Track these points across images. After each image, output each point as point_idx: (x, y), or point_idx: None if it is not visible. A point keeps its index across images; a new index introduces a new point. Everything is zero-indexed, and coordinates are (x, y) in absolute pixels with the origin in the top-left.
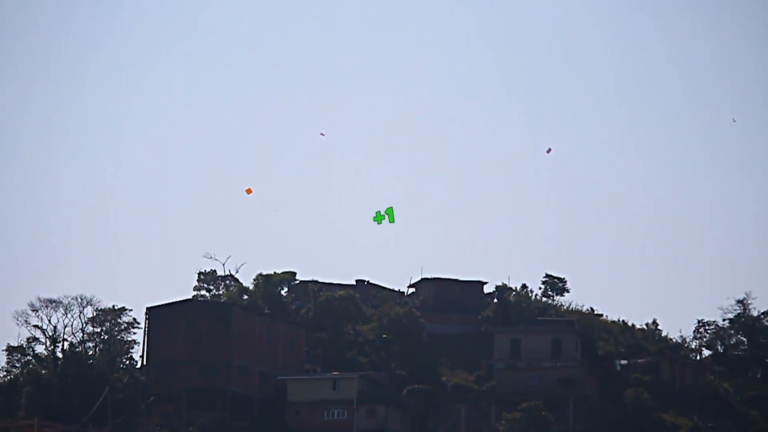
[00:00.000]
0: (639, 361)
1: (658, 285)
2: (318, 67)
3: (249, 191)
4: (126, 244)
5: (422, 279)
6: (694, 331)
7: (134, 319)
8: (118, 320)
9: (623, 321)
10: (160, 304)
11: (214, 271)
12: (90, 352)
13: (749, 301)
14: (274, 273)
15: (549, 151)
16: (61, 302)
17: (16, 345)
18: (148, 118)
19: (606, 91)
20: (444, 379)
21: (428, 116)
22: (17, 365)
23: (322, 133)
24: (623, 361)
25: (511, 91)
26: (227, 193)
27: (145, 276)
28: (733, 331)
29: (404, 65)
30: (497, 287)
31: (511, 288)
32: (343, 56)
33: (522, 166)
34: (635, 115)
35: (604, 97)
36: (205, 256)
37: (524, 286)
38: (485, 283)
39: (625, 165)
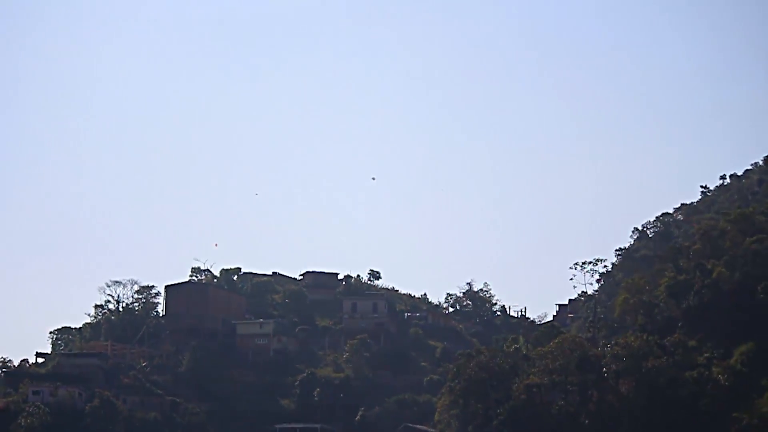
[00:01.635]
0: (417, 314)
1: (427, 272)
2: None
3: (216, 245)
4: (152, 246)
5: (307, 271)
6: (445, 299)
7: (158, 291)
8: (150, 292)
9: (409, 293)
10: (172, 283)
11: (199, 267)
12: (136, 309)
13: (473, 283)
14: (230, 268)
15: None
16: (121, 282)
17: (99, 304)
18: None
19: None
20: (317, 323)
21: None
22: (99, 315)
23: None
24: (408, 314)
25: None
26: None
27: (163, 265)
28: (463, 298)
29: None
30: (345, 276)
31: (352, 276)
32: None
33: (358, 188)
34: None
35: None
36: (194, 259)
37: (358, 275)
38: (338, 273)
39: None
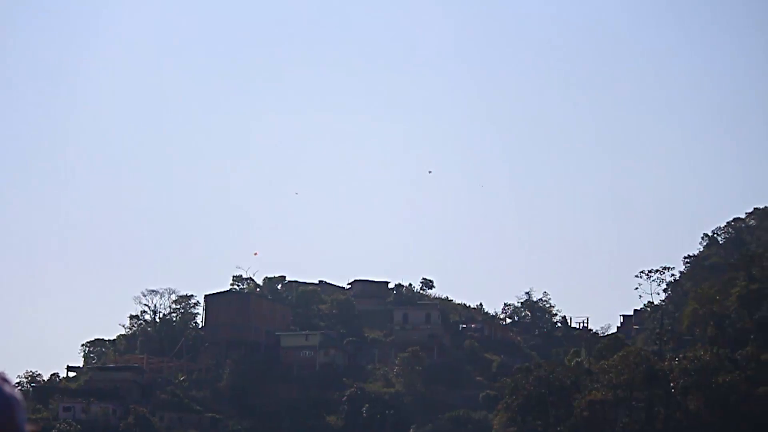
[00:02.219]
0: (472, 325)
1: (483, 281)
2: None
3: (256, 254)
4: (191, 253)
5: (355, 280)
6: (502, 309)
7: (198, 301)
8: (189, 301)
9: (464, 303)
10: (212, 293)
11: (241, 275)
12: (174, 320)
13: (532, 292)
14: (274, 276)
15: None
16: (158, 291)
17: (134, 314)
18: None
19: None
20: (366, 335)
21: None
22: (135, 326)
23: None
24: (464, 325)
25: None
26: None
27: (203, 275)
28: (522, 309)
29: None
30: (396, 285)
31: (403, 285)
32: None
33: (409, 191)
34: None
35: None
36: (237, 267)
37: (410, 284)
38: (389, 282)
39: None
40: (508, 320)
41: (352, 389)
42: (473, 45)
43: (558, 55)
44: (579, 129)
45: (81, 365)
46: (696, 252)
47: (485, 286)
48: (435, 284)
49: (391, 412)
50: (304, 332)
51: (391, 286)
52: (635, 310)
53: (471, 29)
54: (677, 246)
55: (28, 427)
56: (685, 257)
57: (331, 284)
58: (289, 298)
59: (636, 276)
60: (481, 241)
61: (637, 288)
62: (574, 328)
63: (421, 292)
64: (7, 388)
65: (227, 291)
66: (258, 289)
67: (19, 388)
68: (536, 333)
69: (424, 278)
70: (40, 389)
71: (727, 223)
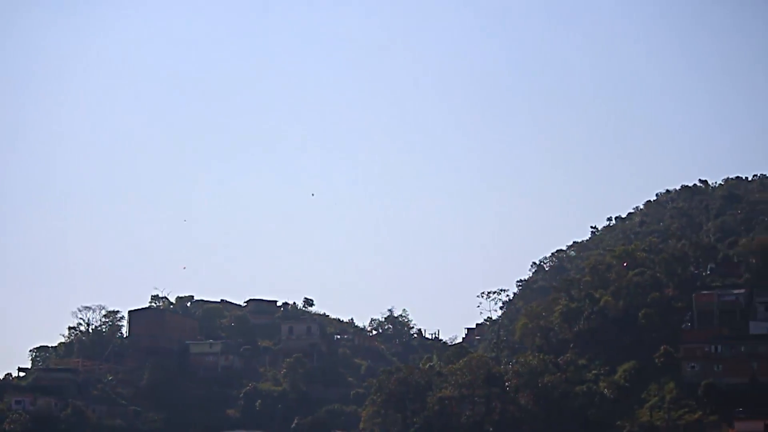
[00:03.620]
0: (345, 336)
1: (355, 299)
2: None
3: (184, 268)
4: (118, 275)
5: (250, 299)
6: (369, 323)
7: (123, 315)
8: (116, 316)
9: (338, 318)
10: (134, 309)
11: (158, 295)
12: (104, 331)
13: (393, 309)
14: (184, 296)
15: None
16: (90, 307)
17: (72, 326)
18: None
19: None
20: (259, 343)
21: None
22: (72, 335)
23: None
24: (338, 336)
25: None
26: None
27: (127, 292)
28: (385, 322)
29: None
30: (283, 303)
31: (289, 303)
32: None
33: (293, 217)
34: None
35: None
36: (154, 288)
37: (294, 302)
38: (277, 301)
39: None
40: (374, 332)
41: (248, 388)
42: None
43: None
44: (432, 164)
45: (29, 367)
46: (526, 277)
47: (356, 304)
48: (315, 302)
49: (280, 406)
50: (208, 341)
51: (279, 304)
52: (477, 324)
53: None
54: (511, 272)
55: None
56: (517, 281)
57: (230, 302)
58: (197, 313)
59: (478, 296)
60: (353, 265)
61: (478, 306)
62: (428, 338)
63: (304, 308)
64: None
65: (147, 307)
66: (171, 306)
67: None
68: (397, 342)
69: (306, 297)
70: None
71: (552, 253)
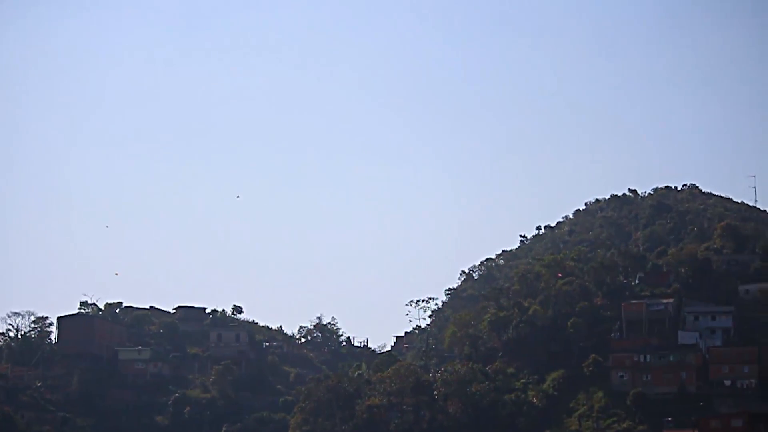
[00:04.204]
0: (274, 343)
1: (282, 307)
2: None
3: (117, 274)
4: (47, 282)
5: (179, 306)
6: (298, 330)
7: (52, 322)
8: (45, 322)
9: (266, 325)
10: (64, 315)
11: (86, 301)
12: (33, 336)
13: (322, 317)
14: (113, 302)
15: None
16: (20, 313)
17: (1, 331)
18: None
19: None
20: (188, 350)
21: None
22: (1, 341)
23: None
24: (267, 343)
25: None
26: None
27: (56, 299)
28: (314, 330)
29: None
30: (212, 310)
31: (218, 310)
32: None
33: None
34: None
35: None
36: (83, 294)
37: (223, 309)
38: (206, 308)
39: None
40: (303, 339)
41: (177, 395)
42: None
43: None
44: (363, 169)
45: None
46: (455, 285)
47: (285, 311)
48: (244, 309)
49: (208, 413)
50: (137, 348)
51: (208, 311)
52: (406, 332)
53: None
54: (440, 280)
55: None
56: (446, 290)
57: (159, 309)
58: (125, 320)
59: (406, 304)
60: (281, 272)
61: (407, 314)
62: (357, 346)
63: (233, 316)
64: None
65: (75, 314)
66: (100, 312)
67: None
68: (326, 350)
69: (234, 305)
70: None
71: (481, 262)
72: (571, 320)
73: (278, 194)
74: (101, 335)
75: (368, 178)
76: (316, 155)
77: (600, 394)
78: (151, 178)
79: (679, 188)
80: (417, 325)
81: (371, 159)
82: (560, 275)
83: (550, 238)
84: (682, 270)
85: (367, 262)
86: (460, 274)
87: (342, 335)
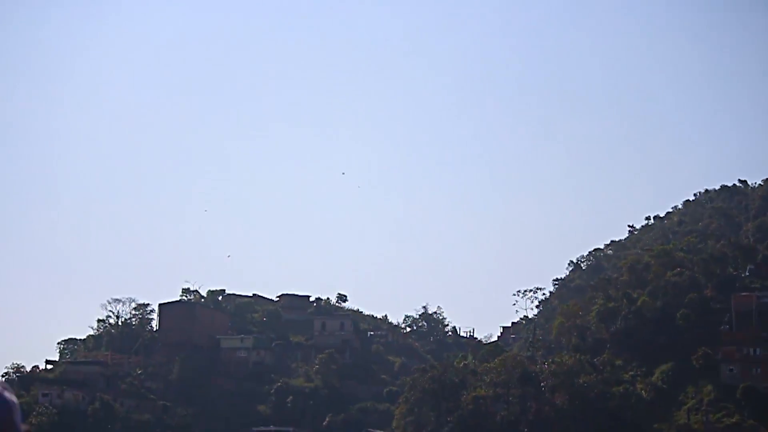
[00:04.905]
0: (379, 332)
1: (388, 296)
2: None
3: (228, 257)
4: (149, 267)
5: (282, 294)
6: (403, 320)
7: (153, 309)
8: (146, 309)
9: (371, 314)
10: (165, 302)
11: (188, 288)
12: (134, 324)
13: (428, 306)
14: (215, 290)
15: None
16: (120, 299)
17: (101, 318)
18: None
19: None
20: (291, 339)
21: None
22: (101, 328)
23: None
24: (371, 333)
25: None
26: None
27: (158, 286)
28: (419, 319)
29: None
30: (316, 298)
31: (321, 299)
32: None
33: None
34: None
35: None
36: (185, 281)
37: (327, 298)
38: (310, 296)
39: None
40: (408, 329)
41: (279, 384)
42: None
43: None
44: (466, 160)
45: (57, 360)
46: (563, 276)
47: (390, 300)
48: (348, 298)
49: (311, 403)
50: (239, 336)
51: (312, 299)
52: (513, 323)
53: None
54: (548, 270)
55: (23, 427)
56: (554, 280)
57: (262, 297)
58: (228, 308)
59: (513, 294)
60: (387, 261)
61: (514, 304)
62: (463, 336)
63: (337, 304)
64: (7, 395)
65: (177, 301)
66: (202, 300)
67: (6, 377)
68: (431, 340)
69: (339, 293)
70: (24, 378)
71: (589, 252)
72: (681, 312)
73: (385, 183)
74: (203, 323)
75: (479, 166)
76: (423, 145)
77: (709, 387)
78: (254, 162)
79: None
80: (524, 316)
81: (481, 145)
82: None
83: (659, 228)
84: None
85: (475, 250)
86: (568, 264)
87: (448, 325)
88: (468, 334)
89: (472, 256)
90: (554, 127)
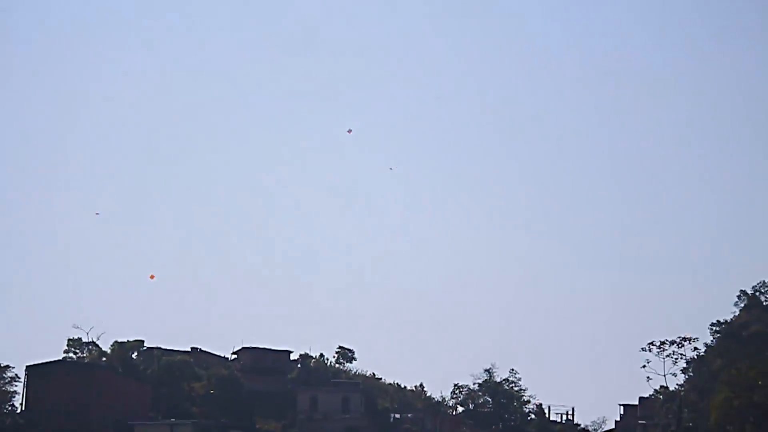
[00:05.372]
0: (409, 415)
1: (425, 355)
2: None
3: (152, 277)
4: (7, 310)
5: (243, 348)
6: (451, 392)
7: (16, 374)
8: (3, 375)
9: (397, 383)
10: (37, 363)
11: (80, 338)
12: None
13: (494, 370)
14: (127, 341)
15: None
16: None
17: None
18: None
19: None
20: (258, 426)
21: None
22: None
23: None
24: (397, 415)
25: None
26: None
27: (23, 339)
28: (480, 393)
29: None
30: (301, 355)
31: (311, 356)
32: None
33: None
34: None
35: None
36: (73, 326)
37: (322, 354)
38: (292, 352)
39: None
40: (460, 408)
41: None
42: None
43: None
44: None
45: None
46: (730, 317)
47: (427, 361)
48: (356, 356)
49: None
50: (169, 421)
51: (294, 356)
52: (641, 398)
53: None
54: (703, 309)
55: None
56: (712, 324)
57: (208, 353)
58: (149, 371)
59: (643, 349)
60: (421, 296)
61: (644, 366)
62: (555, 421)
63: (337, 366)
64: None
65: (59, 361)
66: (104, 359)
67: None
68: (500, 427)
69: (341, 347)
70: None
71: None
72: None
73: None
74: (106, 398)
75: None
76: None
77: None
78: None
79: None
80: (662, 386)
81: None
82: None
83: None
84: None
85: (579, 279)
86: (739, 298)
87: (528, 401)
88: (563, 417)
89: (573, 288)
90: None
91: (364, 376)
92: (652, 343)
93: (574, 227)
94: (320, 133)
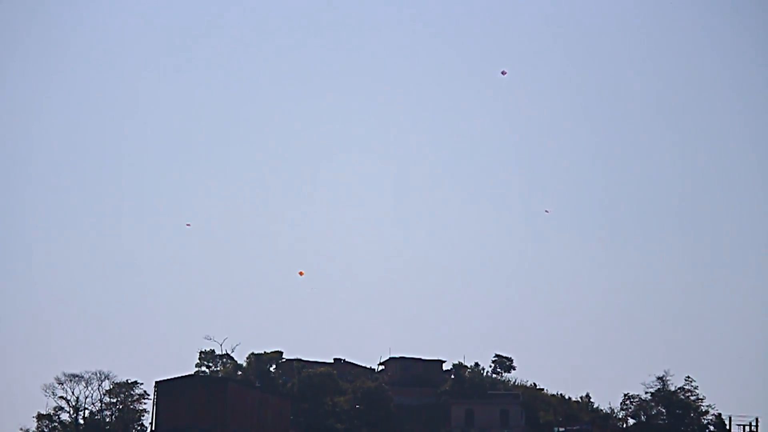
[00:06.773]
0: (574, 428)
1: (591, 363)
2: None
3: (301, 273)
4: (136, 326)
5: (390, 358)
6: (621, 403)
7: (144, 391)
8: (131, 392)
9: (561, 394)
10: (167, 378)
11: (213, 351)
12: (107, 420)
13: (667, 378)
14: (264, 352)
15: (504, 72)
16: (82, 377)
17: (44, 413)
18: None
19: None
20: None
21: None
22: (45, 430)
23: (503, 72)
24: (561, 429)
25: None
26: (223, 278)
27: (153, 354)
28: (653, 404)
29: None
30: (454, 365)
31: (466, 366)
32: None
33: (473, 262)
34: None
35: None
36: (205, 338)
37: (477, 364)
38: (444, 361)
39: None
40: (631, 420)
41: None
42: None
43: None
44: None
45: None
46: None
47: (593, 368)
48: (515, 364)
49: None
50: None
51: (446, 366)
52: None
53: None
54: None
55: None
56: None
57: (353, 364)
58: (289, 385)
59: None
60: (582, 299)
61: None
62: None
63: (494, 376)
64: None
65: (191, 375)
66: (240, 372)
67: None
68: None
69: (498, 355)
70: None
71: None
72: None
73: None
74: (242, 413)
75: None
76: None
77: None
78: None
79: None
80: None
81: None
82: None
83: None
84: None
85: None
86: None
87: (707, 411)
88: (747, 428)
89: (750, 286)
90: None
91: (524, 386)
92: None
93: None
94: None
